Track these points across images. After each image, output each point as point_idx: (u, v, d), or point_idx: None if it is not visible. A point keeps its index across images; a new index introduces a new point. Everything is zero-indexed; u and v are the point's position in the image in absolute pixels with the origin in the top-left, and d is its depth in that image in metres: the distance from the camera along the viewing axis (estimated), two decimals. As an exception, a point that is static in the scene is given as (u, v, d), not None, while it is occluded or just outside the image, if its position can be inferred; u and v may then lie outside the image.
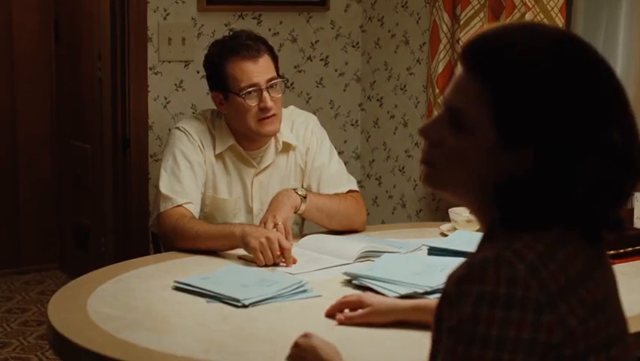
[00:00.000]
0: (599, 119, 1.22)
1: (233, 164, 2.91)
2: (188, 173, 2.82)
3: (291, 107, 3.09)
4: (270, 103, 2.80)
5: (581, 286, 1.22)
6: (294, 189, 2.81)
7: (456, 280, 1.20)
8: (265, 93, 2.81)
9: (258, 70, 2.83)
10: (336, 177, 2.99)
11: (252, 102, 2.81)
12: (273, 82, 2.83)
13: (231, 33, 3.17)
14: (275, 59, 2.90)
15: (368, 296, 2.06)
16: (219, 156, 2.89)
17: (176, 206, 2.77)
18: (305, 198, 2.79)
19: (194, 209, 2.80)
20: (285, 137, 2.94)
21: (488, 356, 1.14)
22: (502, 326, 1.14)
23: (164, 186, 2.81)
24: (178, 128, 2.91)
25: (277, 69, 2.90)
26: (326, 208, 2.86)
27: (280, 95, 2.86)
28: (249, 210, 2.93)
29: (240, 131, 2.88)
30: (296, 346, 1.66)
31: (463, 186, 1.29)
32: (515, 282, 1.16)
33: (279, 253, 2.50)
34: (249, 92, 2.81)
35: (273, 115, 2.83)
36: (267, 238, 2.50)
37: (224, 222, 2.82)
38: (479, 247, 1.31)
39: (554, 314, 1.17)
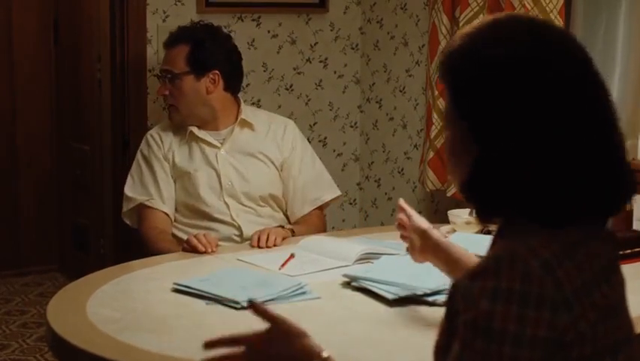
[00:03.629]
0: (552, 113, 1.21)
1: (198, 146, 3.10)
2: (147, 172, 3.08)
3: (266, 111, 3.33)
4: (160, 91, 3.12)
5: (595, 289, 1.21)
6: (281, 226, 2.98)
7: (471, 274, 1.20)
8: (162, 81, 3.11)
9: (164, 59, 3.14)
10: (323, 180, 3.23)
11: (159, 85, 3.13)
12: (166, 73, 3.08)
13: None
14: (193, 51, 3.05)
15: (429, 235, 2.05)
16: (184, 142, 3.09)
17: (138, 205, 3.07)
18: (293, 231, 2.97)
19: (157, 203, 3.05)
20: (245, 115, 3.13)
21: (506, 352, 1.14)
22: (519, 323, 1.14)
23: (126, 188, 3.12)
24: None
25: (192, 61, 3.05)
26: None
27: (174, 87, 3.06)
28: (219, 186, 3.07)
29: None
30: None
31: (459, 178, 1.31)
32: (530, 278, 1.16)
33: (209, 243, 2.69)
34: (158, 76, 3.16)
35: (170, 105, 3.11)
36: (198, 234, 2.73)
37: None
38: (493, 243, 1.31)
39: (569, 315, 1.17)
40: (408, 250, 2.11)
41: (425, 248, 2.03)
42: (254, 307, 1.46)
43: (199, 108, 3.07)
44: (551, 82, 1.22)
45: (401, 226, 2.12)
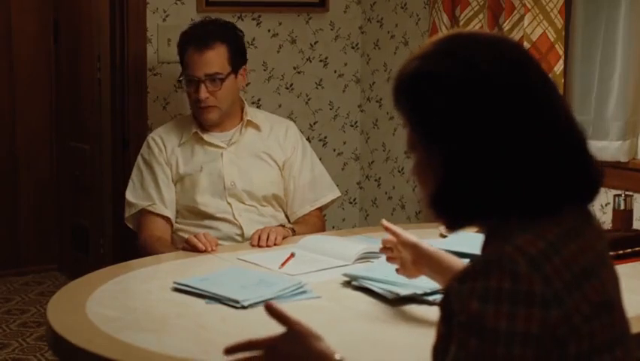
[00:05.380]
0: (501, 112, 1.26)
1: (202, 147, 3.09)
2: (149, 176, 3.06)
3: (265, 111, 3.32)
4: (203, 95, 3.01)
5: (585, 283, 1.23)
6: (282, 225, 2.97)
7: (461, 276, 1.22)
8: (202, 85, 3.01)
9: (201, 62, 3.02)
10: (323, 181, 3.23)
11: (190, 89, 3.05)
12: (212, 77, 3.02)
13: (195, 21, 3.43)
14: (232, 50, 3.06)
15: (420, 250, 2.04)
16: (187, 144, 3.09)
17: (139, 210, 3.05)
18: (293, 230, 2.96)
19: (159, 208, 3.04)
20: (250, 116, 3.13)
21: (500, 351, 1.16)
22: (511, 321, 1.16)
23: (128, 193, 3.10)
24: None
25: (233, 60, 3.05)
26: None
27: (219, 89, 3.02)
28: (223, 185, 3.07)
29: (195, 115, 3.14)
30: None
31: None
32: (518, 277, 1.18)
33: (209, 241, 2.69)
34: (189, 81, 3.05)
35: (208, 106, 3.04)
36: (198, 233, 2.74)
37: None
38: (483, 248, 1.33)
39: (560, 309, 1.18)
40: (398, 271, 2.10)
41: (419, 261, 2.03)
42: (270, 309, 1.49)
43: (232, 106, 3.11)
44: (505, 86, 1.26)
45: (387, 249, 2.12)
